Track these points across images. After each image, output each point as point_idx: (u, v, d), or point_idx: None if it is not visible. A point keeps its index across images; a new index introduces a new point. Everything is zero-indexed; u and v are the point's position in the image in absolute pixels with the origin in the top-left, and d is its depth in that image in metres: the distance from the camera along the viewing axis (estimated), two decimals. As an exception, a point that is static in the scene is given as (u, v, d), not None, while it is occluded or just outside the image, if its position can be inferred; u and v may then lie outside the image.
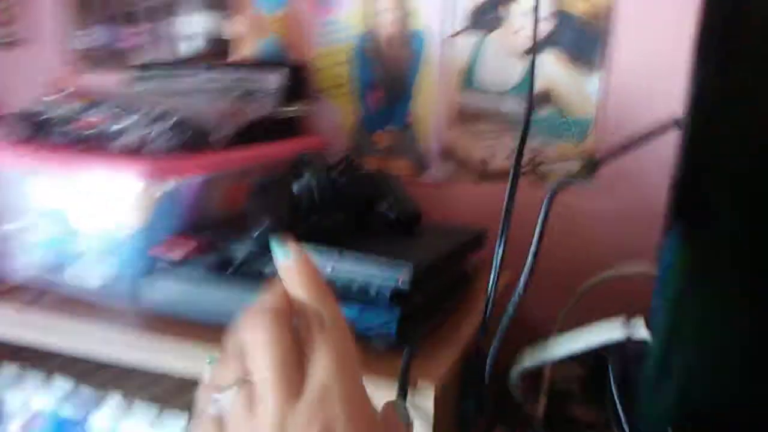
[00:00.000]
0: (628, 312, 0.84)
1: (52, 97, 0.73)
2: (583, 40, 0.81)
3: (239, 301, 0.60)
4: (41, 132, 0.69)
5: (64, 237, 0.69)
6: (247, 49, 1.01)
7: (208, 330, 0.59)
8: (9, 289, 0.70)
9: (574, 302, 0.73)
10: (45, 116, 0.70)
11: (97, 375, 0.78)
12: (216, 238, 0.64)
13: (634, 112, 0.81)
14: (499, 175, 0.89)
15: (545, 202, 0.48)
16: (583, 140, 0.84)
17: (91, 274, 0.68)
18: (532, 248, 0.48)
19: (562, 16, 0.81)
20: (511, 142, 0.88)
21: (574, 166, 0.84)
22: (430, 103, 0.91)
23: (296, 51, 0.98)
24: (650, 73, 0.79)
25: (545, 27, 0.82)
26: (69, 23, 1.17)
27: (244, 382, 0.32)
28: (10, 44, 1.20)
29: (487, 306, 0.56)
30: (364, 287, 0.55)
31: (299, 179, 0.63)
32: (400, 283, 0.53)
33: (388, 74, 0.92)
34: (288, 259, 0.34)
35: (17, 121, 0.70)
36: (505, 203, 0.56)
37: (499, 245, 0.56)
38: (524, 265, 0.52)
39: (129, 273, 0.65)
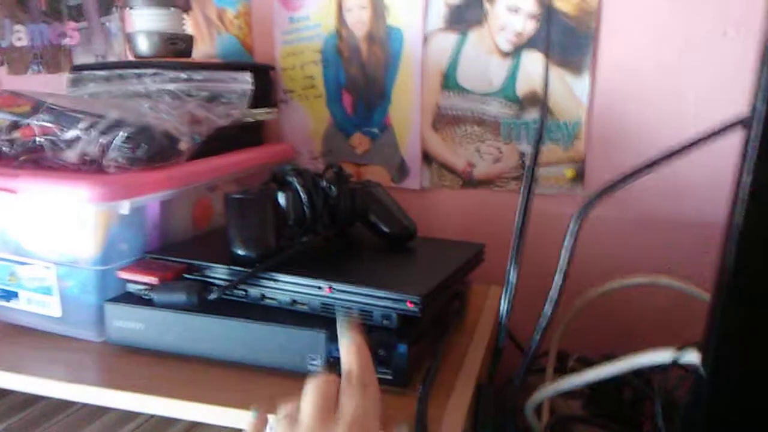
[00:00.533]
0: (625, 324, 0.81)
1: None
2: (570, 40, 0.77)
3: (220, 330, 0.53)
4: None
5: (15, 261, 0.60)
6: (208, 47, 0.93)
7: (182, 361, 0.54)
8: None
9: (571, 316, 0.69)
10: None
11: (44, 425, 0.69)
12: (191, 260, 0.56)
13: (623, 114, 0.78)
14: (483, 182, 0.84)
15: (574, 220, 0.43)
16: (571, 143, 0.80)
17: (48, 302, 0.60)
18: (561, 270, 0.43)
19: (548, 14, 0.77)
20: (495, 147, 0.83)
21: (563, 169, 0.81)
22: (410, 105, 0.85)
23: (261, 50, 0.91)
24: (639, 75, 0.76)
25: (530, 25, 0.78)
26: (3, 18, 1.05)
27: (291, 412, 0.42)
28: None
29: (499, 334, 0.51)
30: (366, 319, 0.49)
31: (284, 191, 0.56)
32: (410, 307, 0.47)
33: (363, 75, 0.86)
34: (345, 332, 0.45)
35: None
36: (517, 222, 0.51)
37: (512, 268, 0.51)
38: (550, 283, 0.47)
39: (92, 301, 0.58)
